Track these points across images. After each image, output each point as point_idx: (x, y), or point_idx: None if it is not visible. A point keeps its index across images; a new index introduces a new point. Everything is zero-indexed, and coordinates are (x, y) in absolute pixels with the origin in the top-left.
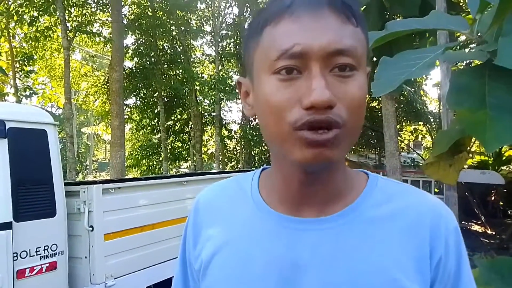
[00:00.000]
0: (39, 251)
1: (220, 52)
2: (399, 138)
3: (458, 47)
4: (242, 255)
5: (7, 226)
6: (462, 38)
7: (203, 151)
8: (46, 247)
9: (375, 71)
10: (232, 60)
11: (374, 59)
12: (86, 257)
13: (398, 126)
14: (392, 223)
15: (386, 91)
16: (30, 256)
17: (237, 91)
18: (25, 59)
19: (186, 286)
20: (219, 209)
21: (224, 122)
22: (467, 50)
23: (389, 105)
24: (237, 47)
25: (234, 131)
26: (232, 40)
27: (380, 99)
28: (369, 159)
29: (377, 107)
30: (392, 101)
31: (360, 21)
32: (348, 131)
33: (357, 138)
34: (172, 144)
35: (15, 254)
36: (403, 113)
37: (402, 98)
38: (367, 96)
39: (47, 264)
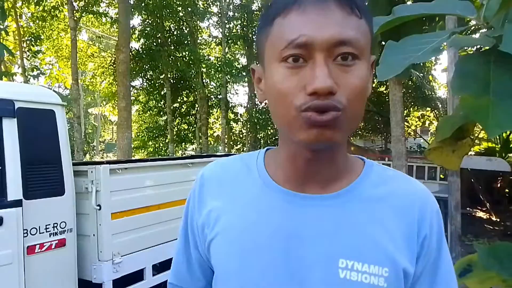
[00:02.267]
0: (48, 228)
1: (227, 34)
2: (406, 123)
3: (466, 32)
4: (249, 226)
5: (17, 203)
6: (472, 23)
7: (209, 134)
8: (55, 225)
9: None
10: (238, 42)
11: (383, 43)
12: (94, 235)
13: (405, 112)
14: (386, 202)
15: (390, 75)
16: (39, 233)
17: (243, 73)
18: (33, 39)
19: (188, 258)
20: (224, 183)
21: (230, 105)
22: (476, 35)
23: (396, 90)
24: (244, 29)
25: (240, 114)
26: (239, 22)
27: (388, 83)
28: (375, 144)
29: (384, 91)
30: (400, 86)
31: (364, 13)
32: (348, 116)
33: (358, 124)
34: (178, 126)
35: (25, 231)
36: (411, 99)
37: (410, 83)
38: (375, 81)
39: (56, 241)
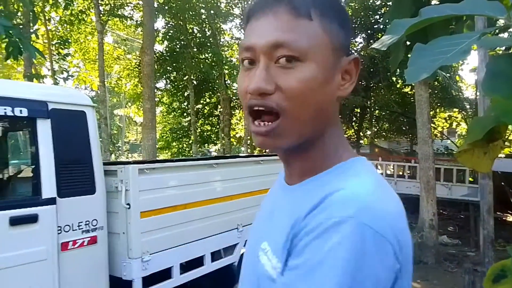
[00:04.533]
0: (80, 225)
1: None
2: (432, 125)
3: (496, 32)
4: (259, 211)
5: (52, 201)
6: (500, 22)
7: (231, 135)
8: (87, 222)
9: (408, 55)
10: None
11: (408, 43)
12: (123, 233)
13: (431, 113)
14: (305, 196)
15: (419, 78)
16: (72, 230)
17: None
18: (61, 42)
19: None
20: (280, 177)
21: None
22: (505, 34)
23: (422, 90)
24: None
25: None
26: None
27: (413, 84)
28: (401, 146)
29: (409, 92)
30: (426, 86)
31: (320, 15)
32: (290, 118)
33: (308, 126)
34: (202, 127)
35: (59, 228)
36: (437, 99)
37: (436, 84)
38: (399, 82)
39: (89, 238)
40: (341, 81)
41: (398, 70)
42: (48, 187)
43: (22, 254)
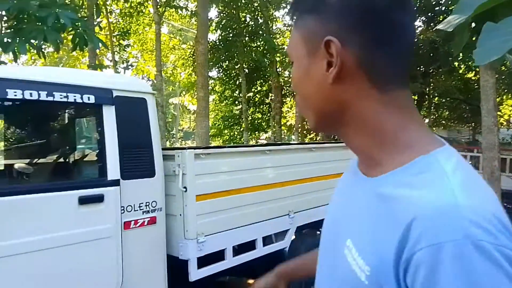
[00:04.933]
0: (141, 206)
1: None
2: (498, 112)
3: None
4: (334, 195)
5: (116, 183)
6: None
7: (282, 123)
8: (147, 204)
9: (474, 38)
10: None
11: (473, 24)
12: (180, 215)
13: (497, 100)
14: (388, 205)
15: (489, 59)
16: (134, 210)
17: None
18: (122, 34)
19: None
20: (353, 164)
21: None
22: None
23: (488, 75)
24: None
25: None
26: None
27: (477, 69)
28: (461, 135)
29: (473, 78)
30: (492, 71)
31: (298, 19)
32: (305, 107)
33: (309, 110)
34: (252, 115)
35: (122, 208)
36: (504, 85)
37: (503, 69)
38: (461, 67)
39: (148, 219)
40: (326, 67)
41: (461, 55)
42: (113, 170)
43: (89, 231)
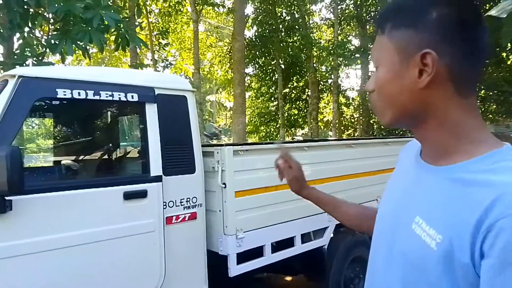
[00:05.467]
0: (182, 202)
1: (340, 15)
2: None
3: None
4: (392, 184)
5: (158, 179)
6: None
7: (319, 119)
8: (188, 199)
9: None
10: (352, 23)
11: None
12: (220, 211)
13: None
14: (469, 190)
15: None
16: (176, 206)
17: (356, 55)
18: (161, 33)
19: None
20: (406, 155)
21: (341, 89)
22: None
23: None
24: (358, 9)
25: (352, 98)
26: (352, 1)
27: None
28: (510, 130)
29: None
30: None
31: (390, 28)
32: (383, 106)
33: (390, 109)
34: (289, 112)
35: (164, 203)
36: None
37: None
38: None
39: (189, 214)
40: (418, 75)
41: (509, 45)
42: (155, 166)
43: (133, 225)
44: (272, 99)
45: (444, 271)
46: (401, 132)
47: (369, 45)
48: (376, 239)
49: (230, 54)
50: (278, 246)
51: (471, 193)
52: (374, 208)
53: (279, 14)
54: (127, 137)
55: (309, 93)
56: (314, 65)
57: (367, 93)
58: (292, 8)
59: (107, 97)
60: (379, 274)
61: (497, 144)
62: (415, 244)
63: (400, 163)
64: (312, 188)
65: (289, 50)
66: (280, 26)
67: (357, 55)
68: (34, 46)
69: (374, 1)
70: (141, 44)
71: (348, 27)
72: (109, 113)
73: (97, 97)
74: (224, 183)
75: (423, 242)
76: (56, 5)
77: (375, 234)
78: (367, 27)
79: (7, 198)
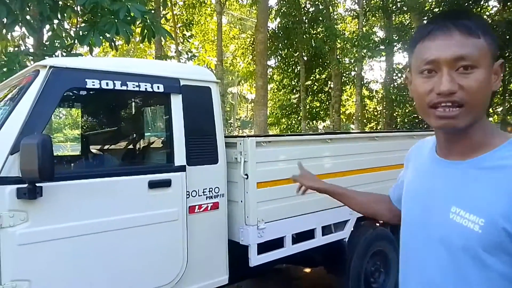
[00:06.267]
0: (205, 192)
1: (365, 6)
2: None
3: None
4: (412, 183)
5: (182, 168)
6: None
7: (341, 111)
8: (211, 189)
9: None
10: (377, 14)
11: None
12: (241, 201)
13: None
14: (502, 173)
15: None
16: (198, 196)
17: (381, 47)
18: (185, 25)
19: (394, 190)
20: (418, 154)
21: (364, 81)
22: None
23: None
24: None
25: (376, 91)
26: None
27: None
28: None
29: None
30: None
31: (484, 34)
32: (469, 109)
33: (481, 113)
34: (311, 104)
35: (187, 193)
36: None
37: None
38: None
39: (211, 204)
40: (494, 79)
41: None
42: (180, 156)
43: (158, 214)
44: (294, 91)
45: (494, 248)
46: (425, 126)
47: (393, 36)
48: (406, 234)
49: (252, 46)
50: (298, 237)
51: (500, 177)
52: (378, 194)
53: (302, 5)
54: (152, 127)
55: (332, 86)
56: (338, 57)
57: (408, 89)
58: None
59: (134, 87)
60: (417, 265)
61: (507, 135)
62: (457, 231)
63: (413, 163)
64: (325, 183)
65: (312, 42)
66: (304, 18)
67: (381, 47)
68: (63, 38)
69: None
70: (167, 35)
71: (373, 18)
72: (135, 103)
73: (124, 88)
74: (246, 174)
75: (465, 228)
76: None
77: (404, 230)
78: (393, 18)
79: (38, 184)
